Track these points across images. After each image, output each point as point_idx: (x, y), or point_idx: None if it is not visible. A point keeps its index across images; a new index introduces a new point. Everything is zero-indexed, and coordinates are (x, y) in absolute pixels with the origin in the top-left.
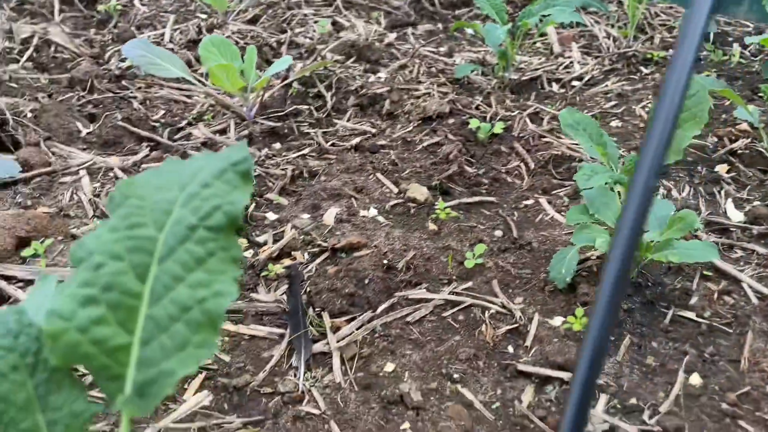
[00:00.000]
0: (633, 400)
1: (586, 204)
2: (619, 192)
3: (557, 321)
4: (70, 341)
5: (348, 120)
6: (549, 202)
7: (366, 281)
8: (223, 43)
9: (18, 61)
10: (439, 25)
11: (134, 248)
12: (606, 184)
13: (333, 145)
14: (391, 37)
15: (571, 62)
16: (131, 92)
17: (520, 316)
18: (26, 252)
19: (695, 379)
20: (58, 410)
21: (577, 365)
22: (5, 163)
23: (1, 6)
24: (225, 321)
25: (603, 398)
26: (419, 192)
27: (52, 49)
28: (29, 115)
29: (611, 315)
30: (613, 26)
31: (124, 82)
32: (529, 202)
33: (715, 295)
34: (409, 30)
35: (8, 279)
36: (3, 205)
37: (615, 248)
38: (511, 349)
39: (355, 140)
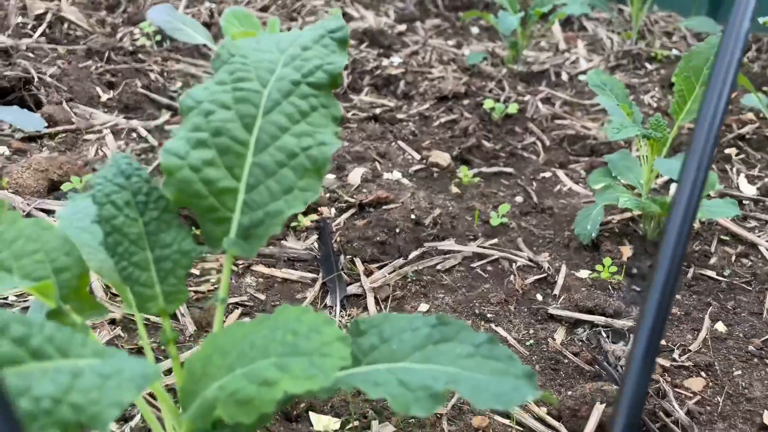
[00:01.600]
0: (662, 342)
1: (608, 167)
2: (643, 156)
3: (584, 273)
4: (184, 177)
5: (365, 96)
6: (566, 175)
7: (397, 231)
8: (245, 15)
9: (31, 36)
10: (446, 22)
11: (241, 99)
12: (636, 136)
13: (353, 115)
14: (401, 27)
15: (577, 58)
16: (148, 65)
17: (548, 267)
18: (65, 186)
19: (720, 327)
20: (167, 247)
21: (642, 316)
22: (31, 117)
23: None
24: (305, 208)
25: (632, 338)
26: (441, 158)
27: (66, 25)
28: (50, 79)
29: (675, 272)
30: (614, 31)
31: (140, 56)
32: (547, 174)
33: (733, 257)
34: (418, 23)
35: (47, 212)
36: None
37: (677, 205)
38: (539, 297)
39: (376, 111)
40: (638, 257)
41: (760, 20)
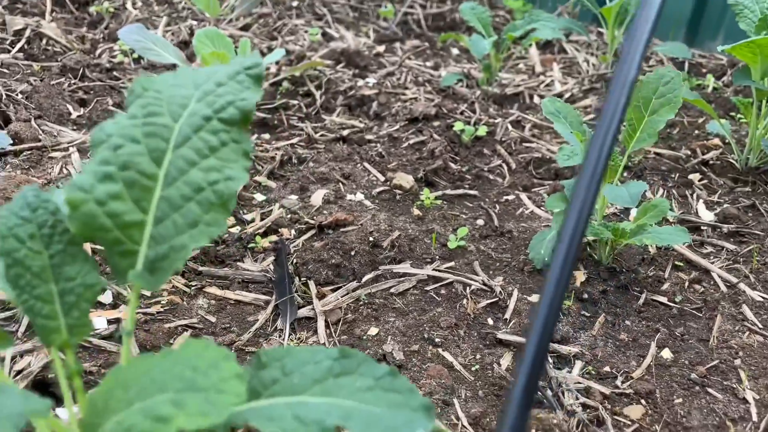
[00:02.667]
0: (606, 368)
1: (564, 192)
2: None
3: (536, 298)
4: (89, 211)
5: (337, 116)
6: (529, 198)
7: (352, 254)
8: (217, 35)
9: (9, 52)
10: (426, 43)
11: (151, 133)
12: None
13: (322, 135)
14: (380, 48)
15: (552, 81)
16: (122, 83)
17: (500, 292)
18: None
19: (666, 354)
20: (71, 280)
21: (530, 332)
22: None
23: None
24: (230, 209)
25: (578, 364)
26: (405, 180)
27: (44, 41)
28: (20, 95)
29: (562, 289)
30: (592, 54)
31: (115, 73)
32: (510, 197)
33: (686, 283)
34: (397, 44)
35: None
36: None
37: (565, 228)
38: (491, 321)
39: (344, 132)
40: (591, 282)
41: (719, 48)
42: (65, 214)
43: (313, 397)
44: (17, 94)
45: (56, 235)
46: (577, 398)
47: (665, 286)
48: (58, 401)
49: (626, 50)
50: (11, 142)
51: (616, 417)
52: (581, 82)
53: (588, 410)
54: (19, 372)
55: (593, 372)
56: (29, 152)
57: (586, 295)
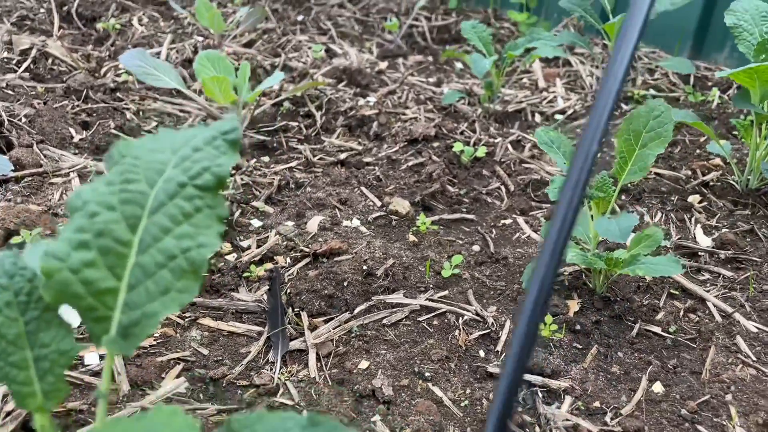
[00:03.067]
0: (596, 404)
1: None
2: (591, 214)
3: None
4: (63, 279)
5: (336, 138)
6: (526, 222)
7: (345, 284)
8: (218, 59)
9: (15, 71)
10: (430, 58)
11: (127, 200)
12: None
13: (320, 159)
14: (382, 65)
15: (555, 97)
16: (125, 104)
17: (493, 323)
18: (15, 240)
19: (658, 387)
20: (46, 347)
21: (506, 361)
22: None
23: (1, 20)
24: (205, 272)
25: (568, 400)
26: (401, 205)
27: (50, 61)
28: (23, 119)
29: (536, 318)
30: (597, 67)
31: (118, 94)
32: (508, 221)
33: (681, 312)
34: (400, 60)
35: None
36: None
37: (542, 254)
38: (482, 353)
39: (342, 156)
40: (584, 312)
41: (717, 74)
42: (41, 279)
43: None
44: (20, 119)
45: (32, 302)
46: None
47: (660, 316)
48: None
49: (603, 85)
50: (12, 168)
51: None
52: (584, 98)
53: None
54: (9, 413)
55: (582, 407)
56: (30, 178)
57: (578, 326)
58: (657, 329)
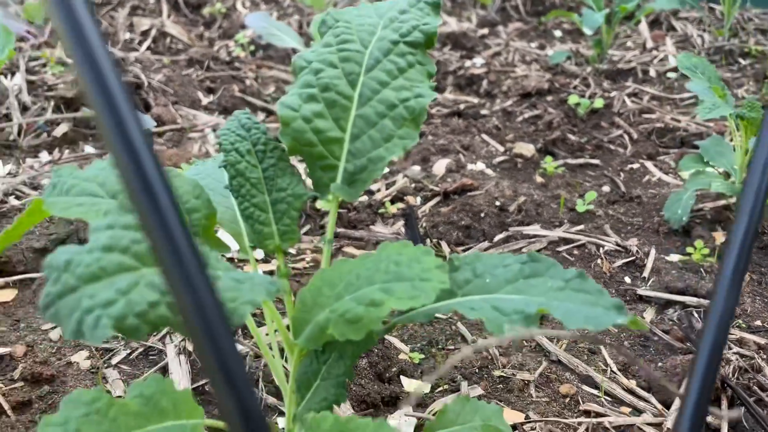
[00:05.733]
0: (758, 322)
1: (700, 153)
2: (737, 140)
3: (674, 257)
4: (298, 128)
5: (449, 94)
6: (655, 166)
7: (481, 215)
8: None
9: (138, 50)
10: (528, 26)
11: (345, 59)
12: (729, 115)
13: (437, 111)
14: (483, 31)
15: (666, 55)
16: (243, 72)
17: (637, 251)
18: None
19: None
20: (282, 191)
21: (714, 295)
22: (143, 118)
23: (122, 4)
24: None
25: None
26: (525, 149)
27: (168, 40)
28: (157, 84)
29: (746, 254)
30: (704, 30)
31: (236, 65)
32: (635, 166)
33: None
34: (500, 27)
35: None
36: None
37: (748, 187)
38: (628, 279)
39: (459, 107)
40: None
41: None
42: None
43: (506, 294)
44: (155, 83)
45: (268, 152)
46: (730, 348)
47: None
48: None
49: None
50: (155, 124)
51: None
52: (698, 55)
53: (744, 359)
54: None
55: (744, 326)
56: (171, 133)
57: None
58: None
